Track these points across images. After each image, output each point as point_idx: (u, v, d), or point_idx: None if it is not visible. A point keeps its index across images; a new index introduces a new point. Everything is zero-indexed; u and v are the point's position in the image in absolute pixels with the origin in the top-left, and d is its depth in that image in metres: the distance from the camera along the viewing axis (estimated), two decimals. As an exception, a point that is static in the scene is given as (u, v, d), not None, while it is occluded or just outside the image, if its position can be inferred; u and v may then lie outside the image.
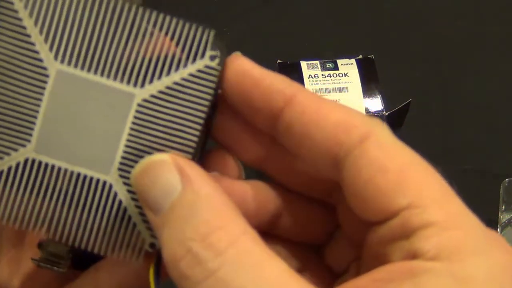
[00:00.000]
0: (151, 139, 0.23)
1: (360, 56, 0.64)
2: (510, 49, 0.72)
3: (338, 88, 0.62)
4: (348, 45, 0.71)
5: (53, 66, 0.23)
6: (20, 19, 0.22)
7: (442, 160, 0.63)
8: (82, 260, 0.27)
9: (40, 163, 0.23)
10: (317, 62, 0.64)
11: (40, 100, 0.23)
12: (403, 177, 0.21)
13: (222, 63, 0.23)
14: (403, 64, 0.70)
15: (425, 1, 0.76)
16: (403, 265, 0.20)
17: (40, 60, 0.23)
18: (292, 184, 0.26)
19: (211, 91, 0.23)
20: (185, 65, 0.23)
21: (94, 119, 0.23)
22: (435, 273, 0.19)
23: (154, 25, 0.23)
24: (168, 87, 0.23)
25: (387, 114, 0.61)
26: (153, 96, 0.23)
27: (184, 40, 0.23)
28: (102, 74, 0.23)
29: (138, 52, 0.23)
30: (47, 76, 0.23)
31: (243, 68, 0.23)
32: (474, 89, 0.68)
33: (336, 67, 0.63)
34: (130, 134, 0.23)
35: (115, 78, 0.23)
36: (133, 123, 0.23)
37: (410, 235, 0.20)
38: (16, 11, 0.22)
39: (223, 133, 0.25)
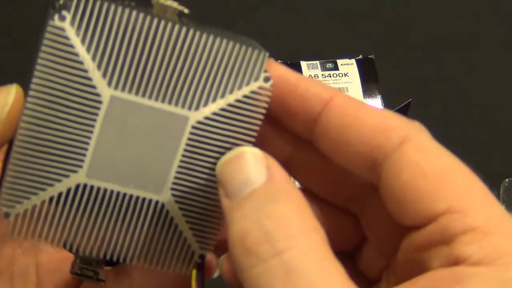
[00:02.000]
0: (204, 158, 0.24)
1: (360, 56, 0.64)
2: (510, 49, 0.72)
3: (338, 88, 0.62)
4: (348, 45, 0.71)
5: (107, 93, 0.22)
6: (72, 46, 0.22)
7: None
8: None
9: (91, 187, 0.23)
10: (317, 62, 0.64)
11: (92, 126, 0.23)
12: (443, 181, 0.21)
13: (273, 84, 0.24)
14: (403, 64, 0.70)
15: (425, 1, 0.76)
16: (447, 272, 0.20)
17: (93, 87, 0.22)
18: (315, 189, 0.26)
19: (263, 110, 0.24)
20: (240, 87, 0.23)
21: (148, 142, 0.23)
22: (481, 278, 0.19)
23: (208, 47, 0.23)
24: (222, 109, 0.23)
25: (387, 114, 0.61)
26: (207, 118, 0.23)
27: (240, 62, 0.23)
28: (156, 99, 0.23)
29: (193, 75, 0.23)
30: (100, 102, 0.22)
31: (279, 73, 0.24)
32: (474, 89, 0.68)
33: (336, 67, 0.63)
34: (183, 155, 0.23)
35: (170, 102, 0.23)
36: (187, 144, 0.23)
37: (450, 240, 0.20)
38: (67, 38, 0.22)
39: None
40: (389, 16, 0.75)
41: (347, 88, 0.62)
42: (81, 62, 0.22)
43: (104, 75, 0.22)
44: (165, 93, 0.23)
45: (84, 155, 0.23)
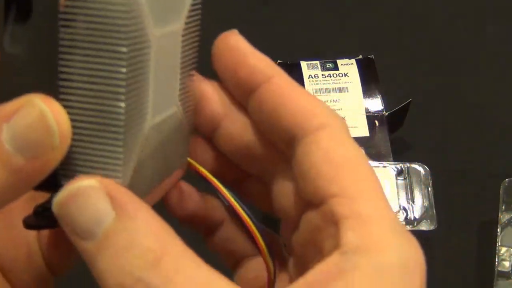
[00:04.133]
0: (189, 62, 0.26)
1: (360, 56, 0.64)
2: (510, 49, 0.72)
3: (338, 88, 0.62)
4: (348, 45, 0.71)
5: (153, 32, 0.23)
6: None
7: (442, 160, 0.63)
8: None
9: (156, 125, 0.24)
10: (317, 62, 0.64)
11: (147, 71, 0.23)
12: (342, 168, 0.24)
13: None
14: (403, 64, 0.70)
15: (425, 1, 0.76)
16: (331, 265, 0.22)
17: (144, 29, 0.22)
18: (234, 156, 0.28)
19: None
20: None
21: (169, 62, 0.25)
22: (360, 270, 0.21)
23: None
24: (189, 11, 0.25)
25: (387, 114, 0.61)
26: (186, 23, 0.25)
27: None
28: (174, 22, 0.24)
29: None
30: (149, 47, 0.23)
31: (237, 44, 0.26)
32: (474, 89, 0.68)
33: (336, 67, 0.63)
34: (181, 63, 0.26)
35: (177, 22, 0.25)
36: (181, 56, 0.26)
37: (337, 222, 0.23)
38: None
39: None
40: (389, 16, 0.75)
41: (347, 88, 0.62)
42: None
43: (152, 15, 0.22)
44: (178, 14, 0.24)
45: (147, 100, 0.23)
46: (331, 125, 0.25)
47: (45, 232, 0.27)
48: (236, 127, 0.27)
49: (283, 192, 0.27)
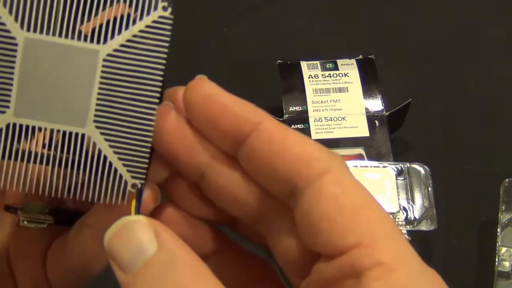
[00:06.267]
0: (121, 89, 0.25)
1: (360, 56, 0.64)
2: (510, 49, 0.72)
3: (338, 88, 0.62)
4: (348, 45, 0.71)
5: (21, 35, 0.24)
6: None
7: (442, 160, 0.64)
8: (67, 215, 0.29)
9: (21, 126, 0.25)
10: (317, 62, 0.64)
11: (12, 68, 0.24)
12: (356, 215, 0.22)
13: (173, 12, 0.25)
14: (403, 64, 0.70)
15: (425, 1, 0.76)
16: None
17: (8, 31, 0.24)
18: (225, 205, 0.26)
19: (167, 38, 0.25)
20: (141, 18, 0.25)
21: (66, 78, 0.25)
22: None
23: None
24: (128, 40, 0.25)
25: (387, 114, 0.61)
26: (116, 50, 0.25)
27: None
28: (67, 36, 0.25)
29: (96, 10, 0.25)
30: (16, 45, 0.24)
31: (211, 92, 0.24)
32: (474, 89, 0.68)
33: (336, 67, 0.63)
34: (100, 88, 0.25)
35: (79, 38, 0.25)
36: (102, 77, 0.25)
37: (359, 274, 0.21)
38: None
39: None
40: (389, 16, 0.75)
41: (347, 88, 0.62)
42: None
43: (16, 19, 0.24)
44: (73, 30, 0.25)
45: (9, 95, 0.24)
46: (333, 169, 0.23)
47: (52, 262, 0.29)
48: (223, 177, 0.25)
49: (285, 243, 0.25)
